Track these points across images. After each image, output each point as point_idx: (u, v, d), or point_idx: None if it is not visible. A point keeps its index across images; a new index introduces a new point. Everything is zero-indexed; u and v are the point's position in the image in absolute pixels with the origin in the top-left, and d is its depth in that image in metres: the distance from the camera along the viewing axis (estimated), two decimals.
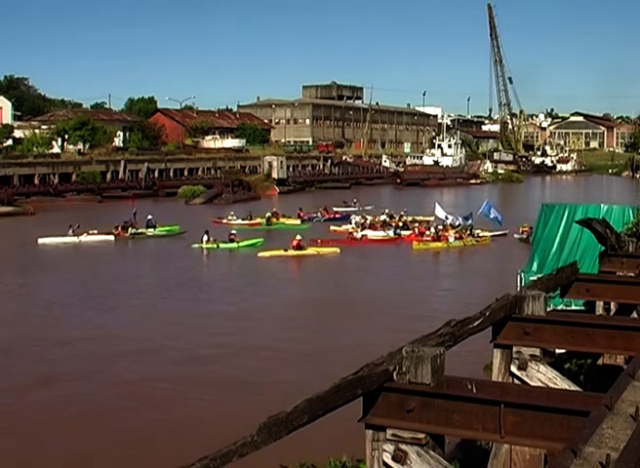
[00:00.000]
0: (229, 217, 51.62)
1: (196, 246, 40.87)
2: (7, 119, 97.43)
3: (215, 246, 40.64)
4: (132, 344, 21.93)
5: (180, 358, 20.46)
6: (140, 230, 45.71)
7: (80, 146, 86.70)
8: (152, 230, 46.53)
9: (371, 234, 44.84)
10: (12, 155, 79.09)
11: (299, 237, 38.48)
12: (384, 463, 5.89)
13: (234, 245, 40.92)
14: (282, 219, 51.80)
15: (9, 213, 59.17)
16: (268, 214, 51.71)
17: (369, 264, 37.37)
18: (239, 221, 50.61)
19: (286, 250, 37.79)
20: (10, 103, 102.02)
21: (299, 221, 51.98)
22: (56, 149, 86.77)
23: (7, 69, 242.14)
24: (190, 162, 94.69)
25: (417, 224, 47.17)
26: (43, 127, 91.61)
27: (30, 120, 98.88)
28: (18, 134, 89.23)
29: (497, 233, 44.53)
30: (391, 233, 45.26)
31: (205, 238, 40.87)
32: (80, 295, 28.98)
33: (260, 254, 37.83)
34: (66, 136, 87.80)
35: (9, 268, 36.29)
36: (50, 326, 23.97)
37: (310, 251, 38.40)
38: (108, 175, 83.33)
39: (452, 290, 31.04)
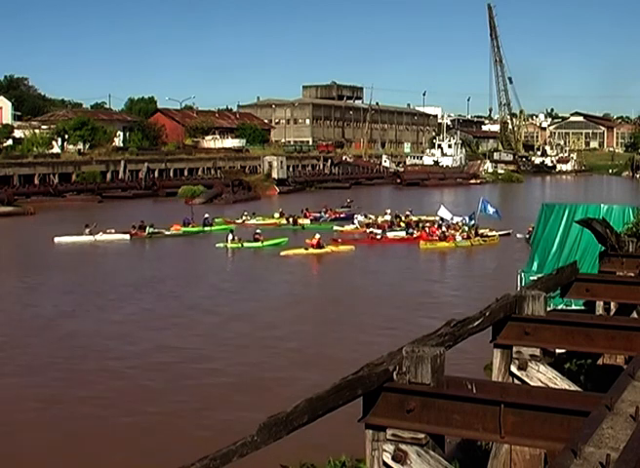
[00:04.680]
0: (244, 217, 52.06)
1: (221, 245, 41.68)
2: (7, 119, 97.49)
3: (239, 245, 41.42)
4: (149, 344, 21.99)
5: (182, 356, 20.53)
6: (157, 230, 46.09)
7: (80, 146, 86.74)
8: (209, 228, 48.33)
9: (390, 234, 45.51)
10: (12, 155, 79.11)
11: (318, 236, 39.84)
12: (384, 463, 5.89)
13: (259, 244, 41.73)
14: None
15: (9, 213, 59.16)
16: (279, 213, 53.28)
17: (379, 262, 38.78)
18: (254, 221, 51.14)
19: (306, 248, 39.27)
20: (10, 103, 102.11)
21: (308, 221, 52.50)
22: (56, 149, 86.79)
23: (7, 69, 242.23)
24: (190, 162, 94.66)
25: (427, 224, 47.24)
26: (43, 127, 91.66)
27: (30, 120, 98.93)
28: (18, 134, 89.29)
29: (500, 233, 44.64)
30: (403, 233, 45.74)
31: (230, 237, 41.68)
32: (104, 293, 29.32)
33: (282, 253, 38.95)
34: (66, 136, 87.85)
35: (32, 267, 36.62)
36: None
37: (328, 249, 39.88)
38: (108, 175, 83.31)
39: (453, 289, 31.19)
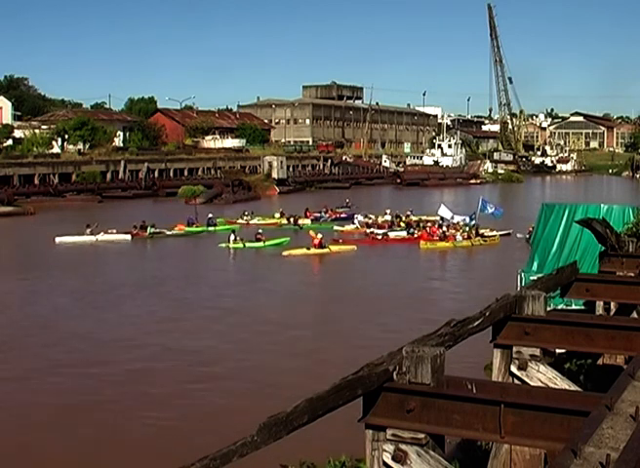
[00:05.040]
0: (245, 217, 52.10)
1: (223, 245, 41.97)
2: (7, 119, 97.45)
3: (241, 245, 41.67)
4: (157, 345, 22.00)
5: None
6: (158, 230, 46.13)
7: (80, 146, 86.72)
8: (213, 228, 48.54)
9: (391, 234, 45.64)
10: (12, 155, 79.08)
11: (320, 236, 39.99)
12: (384, 463, 5.89)
13: (260, 244, 41.97)
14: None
15: (9, 213, 59.18)
16: (280, 213, 53.45)
17: (380, 262, 38.86)
18: (255, 221, 51.27)
19: (308, 248, 39.48)
20: (10, 103, 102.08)
21: (308, 221, 52.46)
22: (56, 149, 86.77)
23: (7, 69, 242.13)
24: (190, 162, 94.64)
25: (428, 224, 47.24)
26: (43, 127, 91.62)
27: (30, 120, 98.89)
28: (18, 134, 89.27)
29: (501, 233, 44.68)
30: (404, 233, 45.79)
31: (232, 237, 41.91)
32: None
33: (284, 253, 39.16)
34: (66, 136, 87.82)
35: (32, 266, 36.73)
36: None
37: (329, 249, 40.07)
38: (108, 175, 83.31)
39: (453, 289, 31.22)
